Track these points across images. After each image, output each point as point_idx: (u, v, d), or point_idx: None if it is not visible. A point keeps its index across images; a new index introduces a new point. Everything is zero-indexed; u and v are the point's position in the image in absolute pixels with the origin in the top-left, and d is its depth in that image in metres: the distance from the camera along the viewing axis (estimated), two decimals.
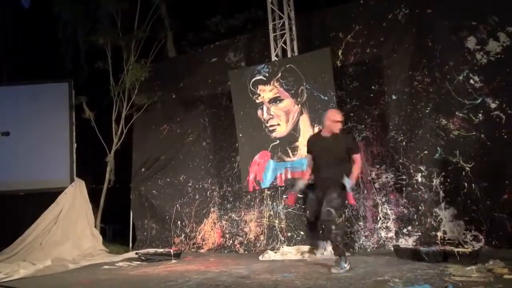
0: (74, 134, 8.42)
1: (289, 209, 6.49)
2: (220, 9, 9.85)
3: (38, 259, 6.69)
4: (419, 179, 5.86)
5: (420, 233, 5.74)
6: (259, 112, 6.76)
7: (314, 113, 6.30)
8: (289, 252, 6.11)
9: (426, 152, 5.87)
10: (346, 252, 4.56)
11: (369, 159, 6.31)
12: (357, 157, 4.57)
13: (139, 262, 6.37)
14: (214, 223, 7.72)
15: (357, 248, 6.11)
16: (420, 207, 5.82)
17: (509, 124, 5.34)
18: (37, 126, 8.32)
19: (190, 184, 8.12)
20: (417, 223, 5.81)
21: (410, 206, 5.90)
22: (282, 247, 6.37)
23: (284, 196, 6.66)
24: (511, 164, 5.30)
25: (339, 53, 6.67)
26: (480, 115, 5.53)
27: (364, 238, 6.15)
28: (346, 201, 4.55)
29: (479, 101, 5.54)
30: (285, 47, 6.87)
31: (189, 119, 8.34)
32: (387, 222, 6.02)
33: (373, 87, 6.39)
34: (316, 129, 6.24)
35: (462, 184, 5.54)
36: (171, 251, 6.60)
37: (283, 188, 6.68)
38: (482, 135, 5.50)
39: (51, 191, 8.07)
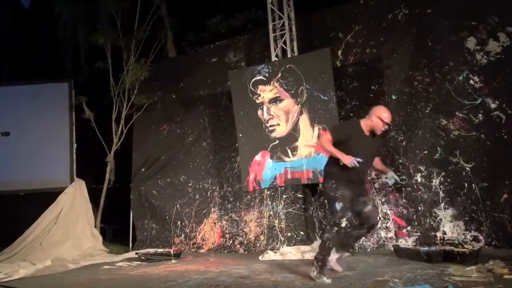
0: (74, 134, 8.43)
1: (289, 209, 6.49)
2: (220, 9, 9.86)
3: (38, 259, 6.69)
4: (419, 179, 5.86)
5: (419, 233, 5.74)
6: (259, 112, 6.76)
7: (314, 113, 6.30)
8: (289, 252, 6.12)
9: (426, 152, 5.88)
10: (344, 252, 4.39)
11: None
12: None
13: (139, 262, 6.37)
14: (214, 223, 7.72)
15: (357, 248, 6.10)
16: (419, 207, 5.82)
17: (509, 124, 5.34)
18: (37, 126, 8.32)
19: (190, 184, 8.12)
20: (416, 223, 5.82)
21: (410, 206, 5.90)
22: (282, 247, 6.37)
23: (284, 196, 6.66)
24: (511, 164, 5.30)
25: (339, 53, 6.68)
26: (480, 115, 5.53)
27: (364, 238, 6.14)
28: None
29: (479, 101, 5.54)
30: (285, 47, 6.87)
31: (189, 119, 8.35)
32: (387, 222, 6.03)
33: (373, 87, 6.39)
34: (316, 129, 6.25)
35: (462, 184, 5.54)
36: (171, 251, 6.60)
37: (282, 188, 6.68)
38: (482, 135, 5.50)
39: (51, 191, 8.07)
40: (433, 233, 5.58)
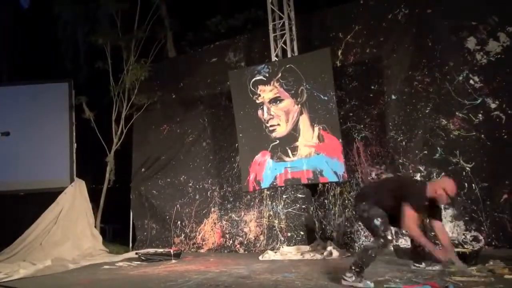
0: (74, 134, 8.43)
1: (289, 209, 6.48)
2: (220, 9, 9.86)
3: (38, 259, 6.69)
4: (419, 179, 5.85)
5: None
6: (259, 112, 6.76)
7: (314, 113, 6.30)
8: (289, 252, 6.12)
9: (425, 152, 5.88)
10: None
11: (369, 159, 6.31)
12: None
13: (139, 262, 6.37)
14: (214, 223, 7.72)
15: (357, 248, 6.10)
16: None
17: (509, 124, 5.34)
18: (37, 126, 8.32)
19: (190, 184, 8.13)
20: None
21: None
22: (282, 247, 6.37)
23: (284, 196, 6.66)
24: (511, 164, 5.30)
25: (339, 53, 6.68)
26: (480, 115, 5.53)
27: (364, 238, 6.15)
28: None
29: (479, 101, 5.55)
30: (285, 47, 6.87)
31: (189, 119, 8.35)
32: None
33: (372, 87, 6.39)
34: (316, 129, 6.25)
35: (462, 184, 5.53)
36: (171, 251, 6.60)
37: (282, 188, 6.68)
38: (482, 135, 5.50)
39: (51, 191, 8.07)
40: (433, 233, 5.57)
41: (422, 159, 5.89)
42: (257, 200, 7.30)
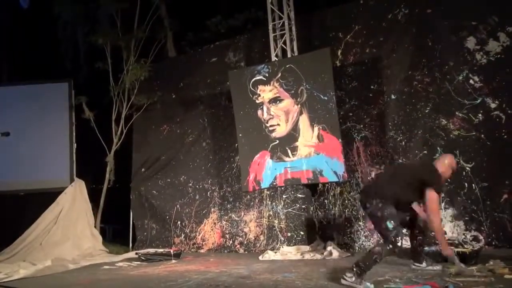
0: (74, 134, 8.43)
1: (289, 209, 6.48)
2: (220, 9, 9.85)
3: (38, 259, 6.70)
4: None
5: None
6: (259, 112, 6.76)
7: (314, 113, 6.30)
8: (289, 252, 6.11)
9: (425, 152, 5.87)
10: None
11: (369, 159, 6.31)
12: None
13: (139, 262, 6.38)
14: (214, 223, 7.72)
15: (357, 248, 6.11)
16: None
17: (509, 124, 5.34)
18: (37, 126, 8.33)
19: (190, 184, 8.13)
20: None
21: None
22: (282, 247, 6.37)
23: (284, 196, 6.66)
24: (511, 164, 5.30)
25: (339, 53, 6.68)
26: (480, 115, 5.53)
27: (364, 238, 6.15)
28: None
29: (479, 101, 5.55)
30: (285, 47, 6.87)
31: (189, 119, 8.35)
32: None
33: (372, 87, 6.39)
34: (316, 129, 6.25)
35: (462, 184, 5.54)
36: (171, 251, 6.60)
37: (282, 188, 6.68)
38: (482, 135, 5.50)
39: (51, 191, 8.07)
40: (433, 233, 5.57)
41: (422, 159, 5.89)
42: (257, 200, 7.30)
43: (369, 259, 3.70)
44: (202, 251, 7.66)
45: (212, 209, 7.78)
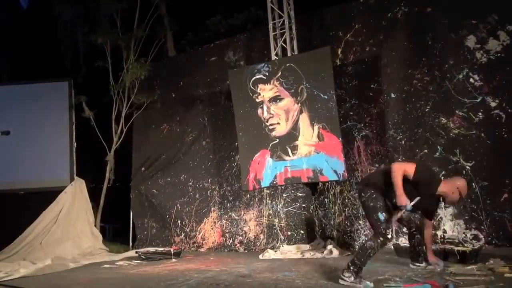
0: (74, 133, 8.42)
1: (289, 208, 6.49)
2: (220, 9, 9.85)
3: (38, 258, 6.69)
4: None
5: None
6: (259, 111, 6.76)
7: (314, 112, 6.30)
8: (289, 251, 6.12)
9: (426, 151, 5.87)
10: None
11: (369, 158, 6.31)
12: None
13: (139, 261, 6.37)
14: (214, 222, 7.72)
15: (357, 247, 6.10)
16: None
17: (509, 122, 5.34)
18: (37, 126, 8.32)
19: (190, 183, 8.13)
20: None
21: None
22: (282, 246, 6.37)
23: (284, 195, 6.66)
24: (511, 164, 5.29)
25: (339, 52, 6.69)
26: (480, 113, 5.53)
27: (364, 237, 6.15)
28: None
29: (479, 99, 5.55)
30: (285, 46, 6.86)
31: (188, 118, 8.36)
32: None
33: (372, 86, 6.39)
34: (316, 128, 6.25)
35: None
36: (171, 250, 6.60)
37: (282, 187, 6.68)
38: (482, 134, 5.50)
39: (51, 190, 8.07)
40: (433, 232, 5.57)
41: (422, 158, 5.89)
42: (257, 199, 7.31)
43: (363, 255, 3.69)
44: (202, 250, 7.67)
45: (212, 208, 7.78)
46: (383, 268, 4.31)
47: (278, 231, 6.94)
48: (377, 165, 6.23)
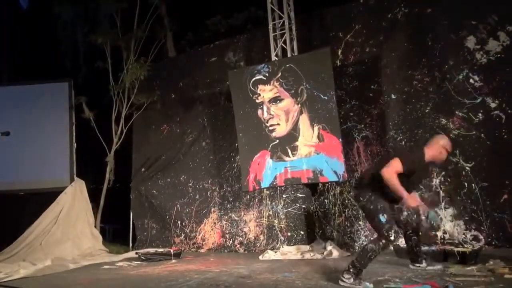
0: (74, 134, 8.42)
1: (289, 209, 6.48)
2: (220, 9, 9.85)
3: (38, 259, 6.69)
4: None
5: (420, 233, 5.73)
6: (259, 111, 6.76)
7: (314, 113, 6.30)
8: (289, 252, 6.11)
9: None
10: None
11: (369, 159, 6.31)
12: None
13: (139, 262, 6.37)
14: (214, 223, 7.72)
15: (357, 248, 6.10)
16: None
17: (509, 123, 5.34)
18: (37, 126, 8.32)
19: (190, 184, 8.13)
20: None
21: None
22: (282, 247, 6.37)
23: (284, 196, 6.66)
24: (511, 164, 5.29)
25: (339, 53, 6.69)
26: (480, 114, 5.53)
27: (364, 238, 6.15)
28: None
29: (479, 100, 5.55)
30: (285, 46, 6.86)
31: (188, 119, 8.36)
32: None
33: (372, 87, 6.39)
34: (316, 129, 6.25)
35: (462, 184, 5.54)
36: (171, 251, 6.60)
37: (282, 187, 6.68)
38: (482, 135, 5.50)
39: (51, 191, 8.07)
40: (433, 233, 5.58)
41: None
42: (256, 200, 7.31)
43: (364, 257, 3.66)
44: (202, 250, 7.66)
45: (212, 209, 7.78)
46: (383, 269, 4.31)
47: (278, 232, 6.94)
48: None
